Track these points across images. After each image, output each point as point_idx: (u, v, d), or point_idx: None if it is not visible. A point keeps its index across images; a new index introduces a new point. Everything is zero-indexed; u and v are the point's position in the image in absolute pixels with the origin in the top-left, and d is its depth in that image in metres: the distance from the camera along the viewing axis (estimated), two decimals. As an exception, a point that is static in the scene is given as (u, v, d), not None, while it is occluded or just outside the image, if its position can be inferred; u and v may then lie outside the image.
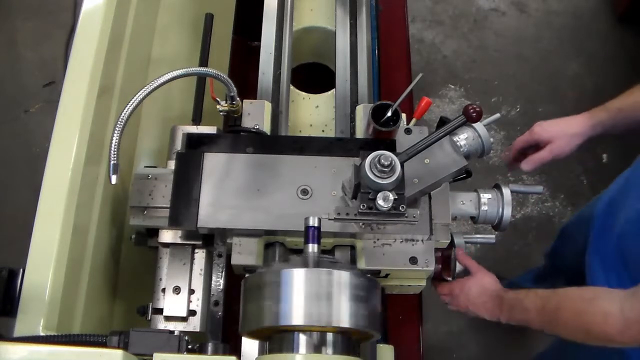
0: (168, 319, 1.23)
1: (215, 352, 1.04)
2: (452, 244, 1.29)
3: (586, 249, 1.48)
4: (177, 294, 1.24)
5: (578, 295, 1.11)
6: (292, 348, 0.94)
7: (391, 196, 1.07)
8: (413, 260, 1.19)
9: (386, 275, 1.24)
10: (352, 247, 1.23)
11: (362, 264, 1.19)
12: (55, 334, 1.04)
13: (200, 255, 1.29)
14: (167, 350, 0.97)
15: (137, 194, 1.26)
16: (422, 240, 1.21)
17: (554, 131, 1.32)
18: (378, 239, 1.21)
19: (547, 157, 1.30)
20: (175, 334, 1.00)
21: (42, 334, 1.03)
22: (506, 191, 1.29)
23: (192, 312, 1.24)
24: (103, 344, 0.98)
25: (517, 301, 1.20)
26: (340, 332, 0.95)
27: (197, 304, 1.24)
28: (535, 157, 1.30)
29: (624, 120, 1.28)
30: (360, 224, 1.17)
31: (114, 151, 1.08)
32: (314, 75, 1.87)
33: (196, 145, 1.25)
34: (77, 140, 1.19)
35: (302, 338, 0.94)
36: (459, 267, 1.29)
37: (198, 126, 1.37)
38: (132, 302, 1.30)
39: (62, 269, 1.10)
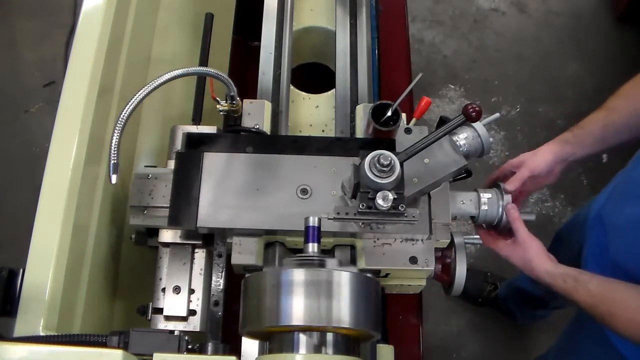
0: (168, 318, 1.24)
1: (215, 352, 1.04)
2: (452, 244, 1.29)
3: (582, 253, 1.48)
4: (177, 293, 1.24)
5: (634, 306, 1.12)
6: (292, 348, 0.94)
7: (390, 196, 1.07)
8: (413, 260, 1.19)
9: (386, 275, 1.24)
10: (352, 247, 1.23)
11: (362, 264, 1.19)
12: (55, 334, 1.04)
13: (200, 255, 1.29)
14: (167, 350, 0.97)
15: (137, 194, 1.26)
16: (422, 240, 1.21)
17: (526, 154, 1.36)
18: (378, 239, 1.21)
19: (525, 173, 1.32)
20: (175, 333, 1.00)
21: (42, 334, 1.03)
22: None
23: (192, 312, 1.24)
24: (103, 344, 0.98)
25: (565, 291, 1.20)
26: (340, 332, 0.95)
27: (197, 303, 1.25)
28: (515, 176, 1.34)
29: (589, 140, 1.33)
30: (360, 223, 1.17)
31: (114, 151, 1.08)
32: (314, 75, 1.87)
33: (196, 144, 1.25)
34: (77, 140, 1.19)
35: (302, 338, 0.94)
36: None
37: (198, 126, 1.38)
38: (132, 302, 1.30)
39: (62, 269, 1.10)
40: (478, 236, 1.40)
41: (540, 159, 1.33)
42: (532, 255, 1.25)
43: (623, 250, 1.26)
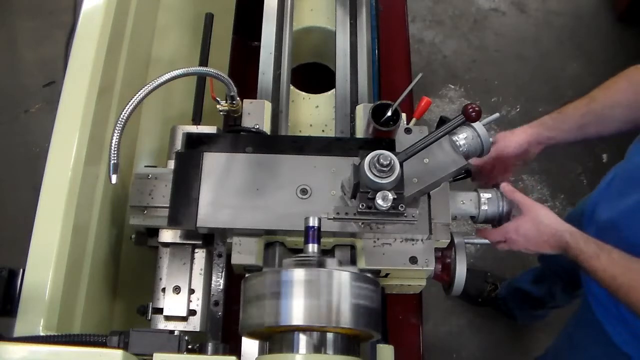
0: (168, 318, 1.24)
1: (215, 352, 1.04)
2: (452, 244, 1.29)
3: None
4: (177, 293, 1.24)
5: None
6: (292, 348, 0.94)
7: (390, 196, 1.07)
8: (413, 260, 1.19)
9: (386, 275, 1.24)
10: (352, 247, 1.23)
11: (362, 264, 1.19)
12: (55, 334, 1.04)
13: (200, 255, 1.29)
14: (167, 350, 0.97)
15: (137, 194, 1.26)
16: (421, 240, 1.21)
17: (501, 133, 1.37)
18: (378, 239, 1.21)
19: (492, 154, 1.33)
20: (175, 333, 1.00)
21: (42, 334, 1.03)
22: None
23: (192, 312, 1.24)
24: (103, 344, 0.98)
25: (584, 255, 1.17)
26: (340, 332, 0.95)
27: (197, 303, 1.25)
28: (486, 156, 1.33)
29: (567, 126, 1.35)
30: (360, 223, 1.17)
31: (114, 151, 1.08)
32: (314, 75, 1.87)
33: (196, 144, 1.25)
34: (77, 140, 1.19)
35: (302, 338, 0.94)
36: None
37: (198, 126, 1.38)
38: (132, 302, 1.30)
39: (62, 269, 1.10)
40: (476, 236, 1.40)
41: (512, 139, 1.34)
42: (544, 216, 1.22)
43: (622, 245, 1.26)
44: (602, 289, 1.28)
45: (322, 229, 1.02)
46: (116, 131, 1.09)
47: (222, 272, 1.20)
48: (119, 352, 0.90)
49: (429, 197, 1.23)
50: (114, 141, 1.08)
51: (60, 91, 1.23)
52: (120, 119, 1.09)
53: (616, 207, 1.29)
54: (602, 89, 1.36)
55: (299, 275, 0.93)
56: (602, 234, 1.33)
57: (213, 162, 1.23)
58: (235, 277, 1.21)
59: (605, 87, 1.35)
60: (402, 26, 2.09)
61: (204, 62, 1.44)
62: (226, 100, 1.30)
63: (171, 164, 1.29)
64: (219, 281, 1.20)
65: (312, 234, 1.00)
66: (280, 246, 1.23)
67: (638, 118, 1.31)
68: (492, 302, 2.47)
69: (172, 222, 1.19)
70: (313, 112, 1.57)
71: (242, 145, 1.25)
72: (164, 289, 1.25)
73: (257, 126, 1.32)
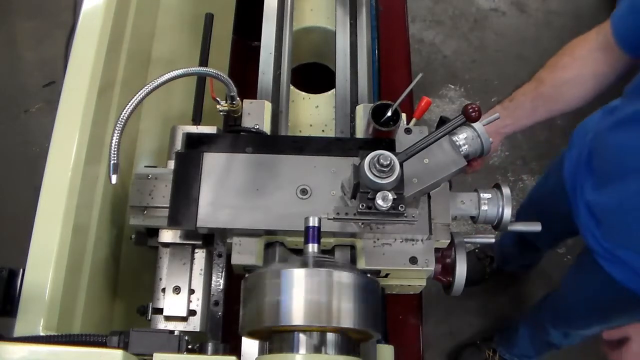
0: (168, 318, 1.24)
1: (215, 352, 1.05)
2: (452, 244, 1.29)
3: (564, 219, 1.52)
4: (177, 293, 1.24)
5: None
6: (292, 348, 0.94)
7: (390, 196, 1.07)
8: (413, 260, 1.19)
9: (386, 275, 1.24)
10: (352, 247, 1.23)
11: (362, 264, 1.19)
12: (55, 334, 1.04)
13: (200, 255, 1.29)
14: (167, 350, 0.97)
15: (137, 194, 1.26)
16: (421, 240, 1.21)
17: None
18: (378, 239, 1.21)
19: None
20: (175, 333, 1.00)
21: (42, 334, 1.03)
22: (506, 191, 1.30)
23: (192, 312, 1.24)
24: (103, 344, 0.98)
25: None
26: (340, 332, 0.95)
27: (197, 303, 1.25)
28: None
29: (519, 113, 1.41)
30: (360, 223, 1.17)
31: (114, 151, 1.08)
32: (314, 75, 1.87)
33: (195, 145, 1.25)
34: (77, 140, 1.19)
35: (302, 338, 0.94)
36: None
37: (198, 126, 1.38)
38: (132, 302, 1.30)
39: (62, 269, 1.10)
40: (478, 236, 1.40)
41: None
42: None
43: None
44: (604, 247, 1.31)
45: (322, 229, 1.02)
46: (116, 131, 1.08)
47: (222, 272, 1.20)
48: (119, 352, 0.90)
49: (429, 197, 1.23)
50: (114, 141, 1.08)
51: (60, 91, 1.23)
52: (120, 119, 1.09)
53: (616, 192, 1.29)
54: (547, 69, 1.39)
55: (299, 275, 0.93)
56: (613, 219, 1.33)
57: (213, 162, 1.23)
58: (235, 277, 1.21)
59: (551, 67, 1.39)
60: (402, 26, 2.09)
61: (204, 62, 1.44)
62: (226, 100, 1.30)
63: (171, 164, 1.29)
64: (219, 281, 1.20)
65: (312, 234, 1.00)
66: (280, 246, 1.23)
67: (587, 94, 1.35)
68: (498, 272, 2.49)
69: (172, 222, 1.19)
70: (313, 112, 1.57)
71: (242, 145, 1.25)
72: (164, 289, 1.25)
73: (257, 126, 1.32)
